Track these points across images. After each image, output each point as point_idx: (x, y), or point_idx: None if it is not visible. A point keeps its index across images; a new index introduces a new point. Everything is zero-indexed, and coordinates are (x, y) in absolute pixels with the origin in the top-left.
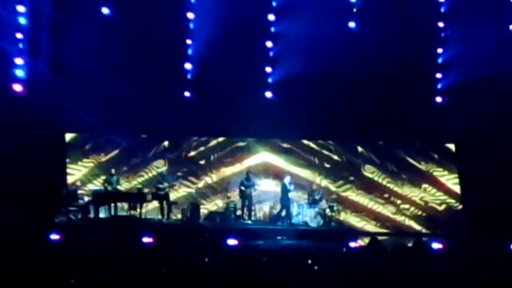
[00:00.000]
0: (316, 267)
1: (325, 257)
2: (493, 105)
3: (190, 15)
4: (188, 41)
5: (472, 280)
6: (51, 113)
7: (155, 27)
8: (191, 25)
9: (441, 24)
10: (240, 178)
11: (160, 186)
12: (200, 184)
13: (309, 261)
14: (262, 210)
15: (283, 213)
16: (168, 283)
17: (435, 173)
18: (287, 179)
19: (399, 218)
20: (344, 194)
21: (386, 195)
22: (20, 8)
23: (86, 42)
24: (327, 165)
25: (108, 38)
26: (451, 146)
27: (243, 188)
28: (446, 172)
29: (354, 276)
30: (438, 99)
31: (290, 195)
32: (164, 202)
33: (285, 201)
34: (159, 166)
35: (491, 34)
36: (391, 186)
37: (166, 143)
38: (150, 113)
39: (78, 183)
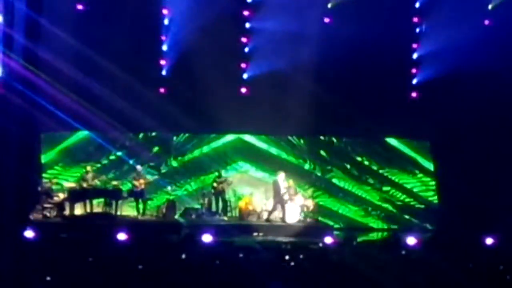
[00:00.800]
0: (292, 263)
1: (301, 252)
2: (468, 100)
3: (165, 11)
4: (163, 37)
5: (446, 274)
6: (26, 111)
7: (130, 23)
8: (166, 21)
9: (416, 20)
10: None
11: (136, 182)
12: (176, 181)
13: (287, 257)
14: None
15: (277, 211)
16: (144, 279)
17: (410, 169)
18: (281, 176)
19: (375, 213)
20: (318, 191)
21: (359, 191)
22: None
23: (61, 39)
24: (302, 161)
25: (83, 35)
26: (426, 142)
27: (215, 184)
28: (422, 168)
29: (329, 271)
30: (413, 95)
31: (282, 192)
32: (140, 199)
33: (279, 199)
34: (135, 163)
35: (466, 29)
36: (366, 181)
37: (141, 139)
38: (126, 109)
39: (53, 180)
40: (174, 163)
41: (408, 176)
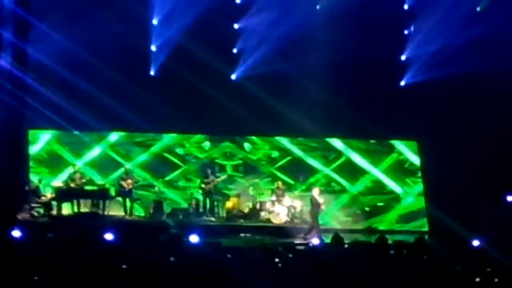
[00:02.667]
0: (280, 264)
1: (288, 253)
2: (457, 102)
3: (154, 11)
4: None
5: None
6: (13, 109)
7: (118, 23)
8: (155, 21)
9: (405, 22)
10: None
11: (123, 183)
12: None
13: (274, 258)
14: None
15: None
16: (131, 279)
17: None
18: (315, 192)
19: (361, 214)
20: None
21: (348, 191)
22: None
23: (50, 37)
24: (292, 161)
25: (72, 34)
26: (414, 143)
27: (203, 185)
28: (409, 169)
29: (317, 271)
30: (401, 96)
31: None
32: (127, 199)
33: (315, 216)
34: (123, 163)
35: (454, 31)
36: (354, 181)
37: (130, 138)
38: (115, 108)
39: (41, 180)
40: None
41: (395, 177)
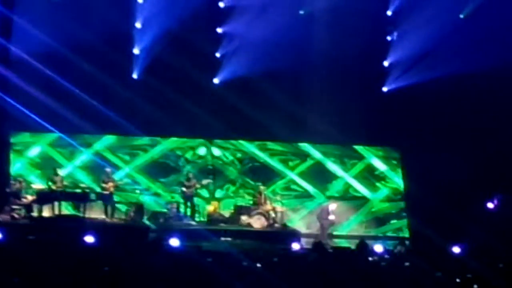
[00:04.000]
0: (260, 268)
1: (268, 258)
2: (439, 107)
3: (137, 14)
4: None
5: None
6: None
7: (102, 25)
8: (138, 25)
9: (387, 28)
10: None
11: (104, 186)
12: (146, 184)
13: (254, 262)
14: None
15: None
16: (111, 283)
17: (380, 174)
18: (332, 206)
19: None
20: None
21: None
22: None
23: (33, 38)
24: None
25: (56, 36)
26: (396, 150)
27: (184, 189)
28: (390, 174)
29: (297, 276)
30: (384, 102)
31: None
32: (108, 202)
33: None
34: (105, 165)
35: (437, 37)
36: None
37: (111, 140)
38: (96, 110)
39: (22, 182)
40: (144, 166)
41: (377, 184)
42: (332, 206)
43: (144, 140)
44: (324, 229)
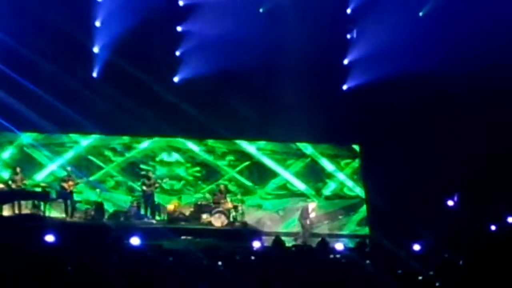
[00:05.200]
0: (221, 267)
1: (229, 256)
2: (398, 105)
3: (97, 13)
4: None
5: (375, 280)
6: None
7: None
8: (98, 24)
9: (347, 26)
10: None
11: (65, 184)
12: (106, 183)
13: (214, 260)
14: None
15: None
16: (71, 281)
17: (338, 173)
18: (311, 205)
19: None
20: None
21: (292, 195)
22: None
23: None
24: (237, 164)
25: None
26: (356, 146)
27: (144, 187)
28: (349, 172)
29: (258, 274)
30: (344, 99)
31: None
32: (68, 201)
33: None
34: (65, 164)
35: (397, 35)
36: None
37: (73, 139)
38: (59, 109)
39: None
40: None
41: (337, 181)
42: (312, 205)
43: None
44: (306, 229)
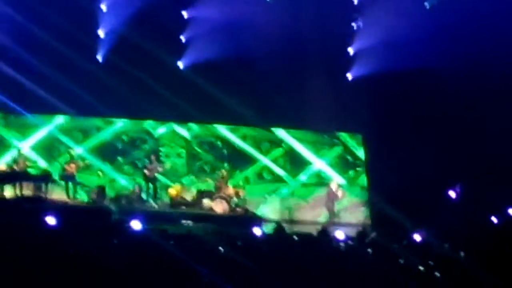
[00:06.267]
0: (221, 252)
1: (230, 242)
2: (403, 96)
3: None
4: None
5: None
6: None
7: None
8: (104, 8)
9: (353, 15)
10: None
11: (67, 167)
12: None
13: (215, 246)
14: None
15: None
16: (72, 264)
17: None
18: (333, 185)
19: (304, 207)
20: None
21: (287, 185)
22: None
23: None
24: (234, 150)
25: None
26: (359, 135)
27: (146, 171)
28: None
29: (259, 261)
30: (349, 90)
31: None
32: (70, 183)
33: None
34: (69, 146)
35: (402, 26)
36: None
37: (78, 122)
38: (63, 92)
39: None
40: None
41: (339, 169)
42: (334, 185)
43: (110, 122)
44: (331, 211)
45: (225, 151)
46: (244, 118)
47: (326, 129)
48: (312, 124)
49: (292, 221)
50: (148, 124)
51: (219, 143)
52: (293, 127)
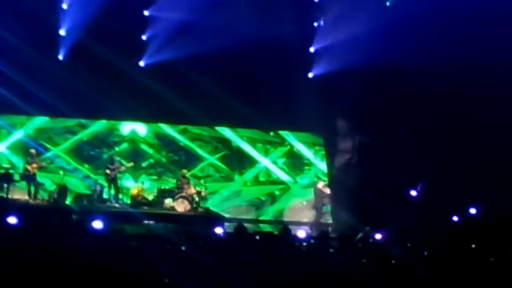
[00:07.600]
0: (183, 252)
1: (191, 242)
2: (363, 94)
3: None
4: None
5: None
6: None
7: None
8: (65, 6)
9: (314, 13)
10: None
11: (28, 167)
12: (71, 165)
13: (176, 246)
14: None
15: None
16: (32, 264)
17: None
18: (320, 185)
19: (266, 205)
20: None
21: (254, 182)
22: None
23: None
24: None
25: None
26: (321, 136)
27: (108, 171)
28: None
29: (220, 261)
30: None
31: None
32: (32, 183)
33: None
34: (30, 147)
35: (363, 24)
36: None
37: (35, 121)
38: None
39: None
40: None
41: (299, 169)
42: (321, 184)
43: (73, 122)
44: (319, 211)
45: (182, 152)
46: (200, 119)
47: (279, 128)
48: (265, 123)
49: (255, 221)
50: (110, 124)
51: (177, 142)
52: (246, 126)
